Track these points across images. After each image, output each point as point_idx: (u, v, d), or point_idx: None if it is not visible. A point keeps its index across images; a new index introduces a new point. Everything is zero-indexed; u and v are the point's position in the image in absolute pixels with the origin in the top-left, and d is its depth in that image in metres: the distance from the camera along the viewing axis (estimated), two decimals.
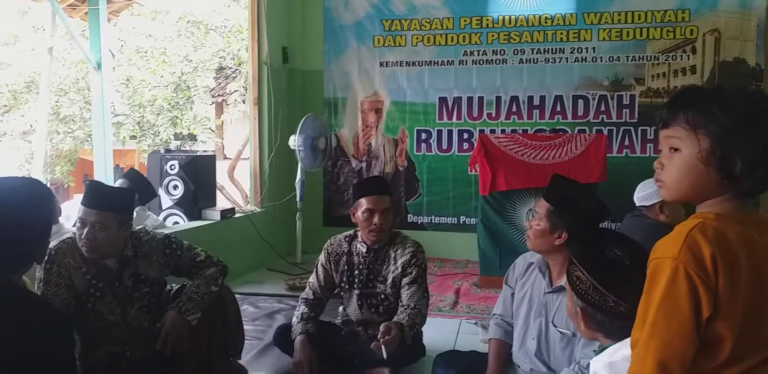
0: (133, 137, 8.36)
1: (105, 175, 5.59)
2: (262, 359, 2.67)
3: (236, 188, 8.03)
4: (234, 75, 9.50)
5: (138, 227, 2.32)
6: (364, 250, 2.53)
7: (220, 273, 2.34)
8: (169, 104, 8.14)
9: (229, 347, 2.37)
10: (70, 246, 2.15)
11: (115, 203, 2.13)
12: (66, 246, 2.16)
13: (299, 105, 5.13)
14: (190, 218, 4.03)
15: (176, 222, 4.01)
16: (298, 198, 4.71)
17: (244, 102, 8.85)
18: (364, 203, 2.45)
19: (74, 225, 2.22)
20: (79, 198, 2.24)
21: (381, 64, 5.16)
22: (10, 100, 8.19)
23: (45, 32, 6.83)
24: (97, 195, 2.12)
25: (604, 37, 4.77)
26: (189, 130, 8.38)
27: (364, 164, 5.23)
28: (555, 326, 1.97)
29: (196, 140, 8.66)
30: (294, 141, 4.49)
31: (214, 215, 4.05)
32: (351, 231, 2.64)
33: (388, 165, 5.17)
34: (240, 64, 8.52)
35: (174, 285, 2.42)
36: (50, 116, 7.52)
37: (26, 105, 8.18)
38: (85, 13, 6.39)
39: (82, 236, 2.08)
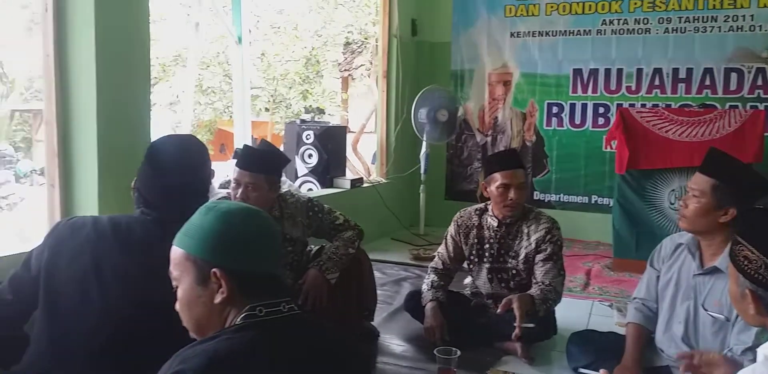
0: (267, 109, 8.84)
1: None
2: (392, 323, 2.75)
3: (359, 160, 8.25)
4: (360, 50, 9.66)
5: (284, 190, 2.46)
6: (495, 224, 2.50)
7: (357, 236, 2.43)
8: (300, 78, 8.48)
9: (363, 308, 2.47)
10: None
11: (266, 165, 2.26)
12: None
13: (426, 77, 5.11)
14: (323, 186, 4.20)
15: (310, 189, 4.20)
16: (422, 171, 4.74)
17: (369, 76, 9.01)
18: (498, 178, 2.40)
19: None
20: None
21: (512, 35, 4.99)
22: (159, 73, 8.92)
23: (191, 8, 7.34)
24: (250, 157, 2.26)
25: (765, 4, 4.27)
26: (317, 103, 8.68)
27: (489, 138, 5.14)
28: (706, 309, 1.84)
29: (324, 113, 8.96)
30: (411, 113, 4.51)
31: (345, 184, 4.20)
32: (481, 205, 2.62)
33: (515, 139, 5.04)
34: (366, 39, 8.64)
35: (313, 246, 2.55)
36: (194, 88, 8.12)
37: (173, 77, 8.89)
38: None
39: (237, 196, 2.23)
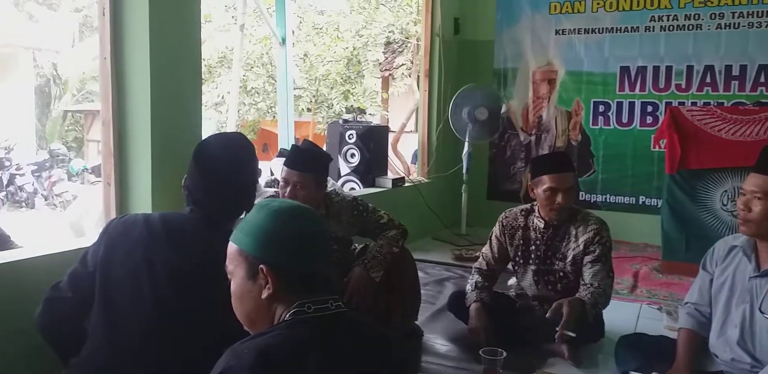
0: (308, 110, 8.93)
1: (287, 144, 6.05)
2: (436, 322, 2.75)
3: (399, 160, 8.25)
4: (401, 49, 9.67)
5: (330, 189, 2.49)
6: (542, 226, 2.46)
7: (401, 235, 2.44)
8: (342, 78, 8.54)
9: (407, 307, 2.47)
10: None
11: (314, 165, 2.29)
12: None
13: (469, 76, 5.08)
14: (365, 185, 4.23)
15: (352, 188, 4.23)
16: (464, 171, 4.71)
17: (409, 76, 9.01)
18: (546, 181, 2.36)
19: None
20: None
21: (556, 32, 4.92)
22: (205, 74, 9.13)
23: (237, 10, 7.48)
24: (299, 157, 2.30)
25: None
26: (358, 103, 8.73)
27: (533, 137, 5.07)
28: (763, 313, 1.78)
29: (365, 113, 9.01)
30: (450, 111, 4.50)
31: (386, 183, 4.22)
32: (527, 205, 2.58)
33: (559, 138, 4.96)
34: (407, 38, 8.64)
35: (357, 244, 2.57)
36: (239, 89, 8.27)
37: (219, 78, 9.07)
38: None
39: (285, 194, 2.27)
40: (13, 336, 1.84)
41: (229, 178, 1.63)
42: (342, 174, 4.33)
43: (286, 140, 6.12)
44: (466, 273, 3.53)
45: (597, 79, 4.79)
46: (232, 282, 1.11)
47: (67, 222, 3.74)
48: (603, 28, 4.76)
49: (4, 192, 9.76)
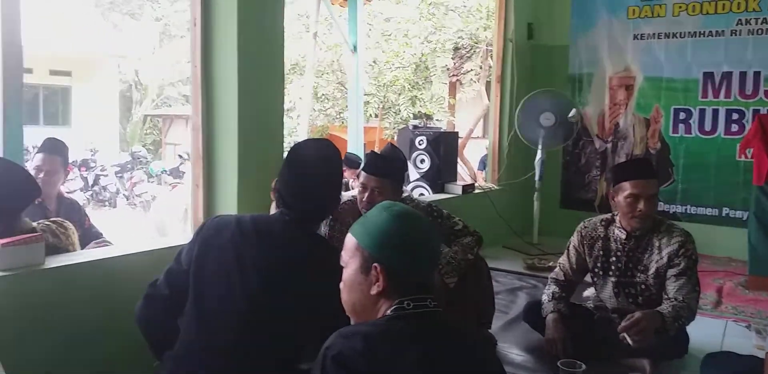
0: (375, 115, 9.03)
1: (356, 149, 6.14)
2: (509, 332, 2.71)
3: (465, 166, 8.21)
4: (469, 55, 9.63)
5: (404, 194, 2.51)
6: (623, 237, 2.39)
7: (475, 242, 2.43)
8: (409, 84, 8.58)
9: (481, 315, 2.45)
10: (351, 208, 2.41)
11: (391, 171, 2.33)
12: (347, 207, 2.42)
13: (542, 82, 5.00)
14: (434, 191, 4.23)
15: (421, 194, 4.24)
16: (536, 178, 4.64)
17: (478, 81, 8.96)
18: (627, 187, 2.29)
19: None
20: None
21: (635, 37, 4.76)
22: None
23: (309, 19, 7.67)
24: (377, 162, 2.33)
25: None
26: (425, 109, 8.75)
27: (609, 145, 4.93)
28: None
29: (432, 119, 9.02)
30: (516, 117, 4.45)
31: (456, 189, 4.20)
32: (607, 215, 2.51)
33: (637, 146, 4.80)
34: (476, 43, 8.60)
35: None
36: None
37: (290, 85, 9.31)
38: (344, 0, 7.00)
39: (363, 199, 2.31)
40: (109, 327, 1.95)
41: (319, 182, 1.69)
42: (411, 179, 4.35)
43: (354, 145, 6.20)
44: (538, 283, 3.47)
45: (678, 85, 4.61)
46: (344, 271, 1.19)
47: (151, 221, 3.94)
48: (685, 33, 4.58)
49: (90, 192, 10.37)
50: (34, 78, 12.97)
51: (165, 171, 11.08)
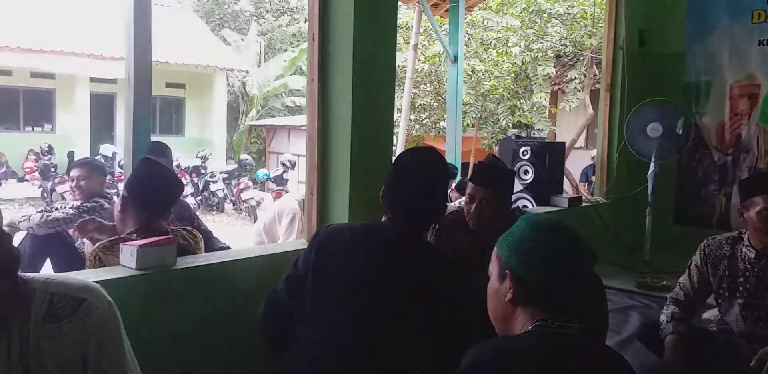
0: (471, 125, 8.97)
1: (454, 159, 6.13)
2: (622, 352, 2.57)
3: (567, 178, 7.96)
4: (572, 63, 9.36)
5: (513, 207, 2.47)
6: (753, 256, 2.22)
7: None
8: (509, 93, 8.46)
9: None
10: (458, 218, 2.40)
11: (500, 181, 2.30)
12: (453, 218, 2.42)
13: (655, 91, 4.75)
14: (538, 203, 4.13)
15: (525, 206, 4.15)
16: (649, 192, 4.41)
17: (581, 90, 8.68)
18: (760, 202, 2.14)
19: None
20: None
21: (759, 43, 4.43)
22: None
23: (410, 30, 7.77)
24: (485, 173, 2.32)
25: None
26: (525, 118, 8.59)
27: (730, 158, 4.59)
28: None
29: (533, 128, 8.85)
30: (625, 128, 4.29)
31: (562, 202, 4.08)
32: (734, 233, 2.35)
33: (762, 160, 4.44)
34: (580, 51, 8.35)
35: None
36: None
37: None
38: (445, 10, 7.05)
39: (471, 210, 2.30)
40: (231, 325, 2.07)
41: (425, 189, 1.72)
42: (515, 191, 4.27)
43: (453, 156, 6.20)
44: (652, 303, 3.30)
45: None
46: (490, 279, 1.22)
47: (260, 226, 4.12)
48: None
49: (200, 197, 11.04)
50: (153, 90, 14.04)
51: (269, 178, 11.58)
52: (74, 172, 3.32)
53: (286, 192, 10.31)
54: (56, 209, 3.24)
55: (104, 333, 1.20)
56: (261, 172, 12.12)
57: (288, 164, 11.25)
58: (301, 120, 14.36)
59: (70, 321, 1.16)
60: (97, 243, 2.08)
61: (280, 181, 11.10)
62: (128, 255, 1.88)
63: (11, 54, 11.85)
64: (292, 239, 3.79)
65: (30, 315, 1.14)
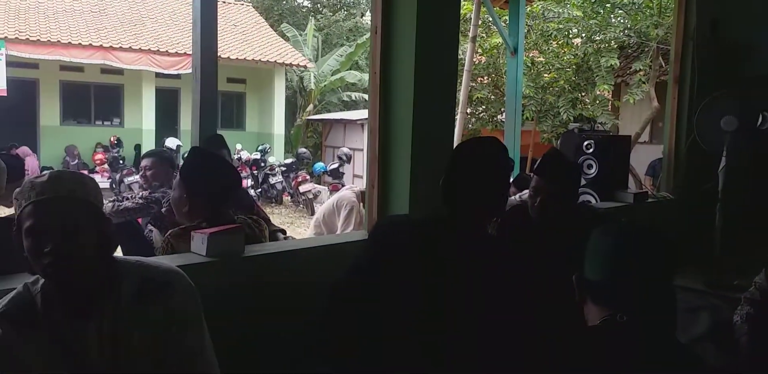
0: (530, 119, 8.80)
1: (513, 153, 6.04)
2: None
3: (630, 173, 7.70)
4: (636, 54, 9.04)
5: (579, 201, 2.42)
6: None
7: None
8: (570, 86, 8.25)
9: None
10: (522, 212, 2.37)
11: (567, 175, 2.26)
12: (517, 211, 2.39)
13: (728, 82, 4.52)
14: (602, 198, 4.01)
15: (588, 201, 4.05)
16: (719, 188, 4.21)
17: (647, 82, 8.36)
18: None
19: None
20: None
21: None
22: None
23: (469, 22, 7.68)
24: (552, 166, 2.28)
25: None
26: (587, 111, 8.36)
27: None
28: None
29: (595, 122, 8.61)
30: (696, 121, 4.11)
31: (627, 197, 3.95)
32: None
33: None
34: (646, 41, 8.04)
35: None
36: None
37: None
38: (505, 2, 6.94)
39: (534, 204, 2.27)
40: (296, 313, 2.11)
41: (486, 180, 1.69)
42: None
43: (511, 150, 6.10)
44: (722, 303, 3.15)
45: None
46: None
47: (319, 218, 4.20)
48: None
49: (260, 189, 11.31)
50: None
51: (326, 171, 11.75)
52: (144, 162, 3.47)
53: (342, 185, 10.44)
54: (126, 199, 3.39)
55: (186, 314, 1.26)
56: (318, 166, 12.30)
57: (344, 157, 11.38)
58: (357, 114, 14.46)
59: (157, 303, 1.22)
60: (170, 231, 2.16)
61: (336, 173, 11.23)
62: (199, 242, 1.95)
63: (83, 51, 12.44)
64: (350, 230, 3.84)
65: (121, 295, 1.21)
